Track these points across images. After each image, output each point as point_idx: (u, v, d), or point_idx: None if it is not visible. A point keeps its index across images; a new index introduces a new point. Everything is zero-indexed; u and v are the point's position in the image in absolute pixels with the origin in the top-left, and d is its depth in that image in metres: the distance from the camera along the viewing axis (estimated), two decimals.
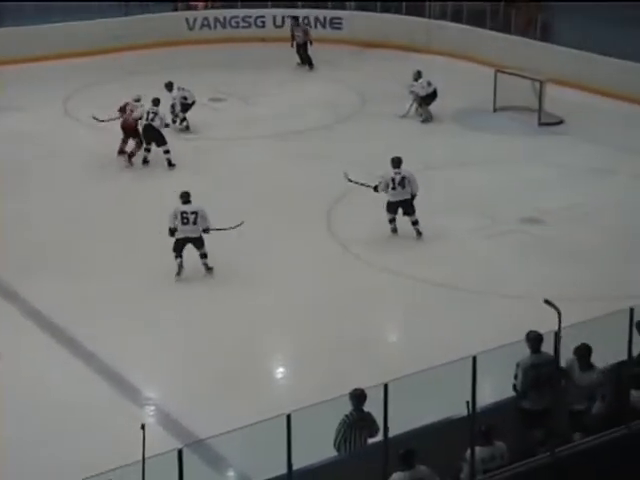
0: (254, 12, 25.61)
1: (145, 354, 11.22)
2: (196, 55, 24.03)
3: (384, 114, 19.55)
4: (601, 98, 20.44)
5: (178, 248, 12.75)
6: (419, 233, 14.04)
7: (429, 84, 19.31)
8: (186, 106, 18.55)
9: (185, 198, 12.79)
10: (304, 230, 14.40)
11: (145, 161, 16.94)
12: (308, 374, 10.76)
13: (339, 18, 25.35)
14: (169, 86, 18.39)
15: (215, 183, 16.08)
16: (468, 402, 7.37)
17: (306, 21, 24.53)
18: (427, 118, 19.35)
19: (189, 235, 12.73)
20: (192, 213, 12.64)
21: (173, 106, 18.43)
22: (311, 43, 23.24)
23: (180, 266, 12.76)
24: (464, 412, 7.51)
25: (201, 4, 26.44)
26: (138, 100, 17.14)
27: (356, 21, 25.26)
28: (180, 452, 6.65)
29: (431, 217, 14.69)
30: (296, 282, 12.86)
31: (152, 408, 10.30)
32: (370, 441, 7.91)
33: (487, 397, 8.50)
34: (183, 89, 18.58)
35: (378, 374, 7.52)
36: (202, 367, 10.86)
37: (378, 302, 12.53)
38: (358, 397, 7.79)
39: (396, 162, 14.07)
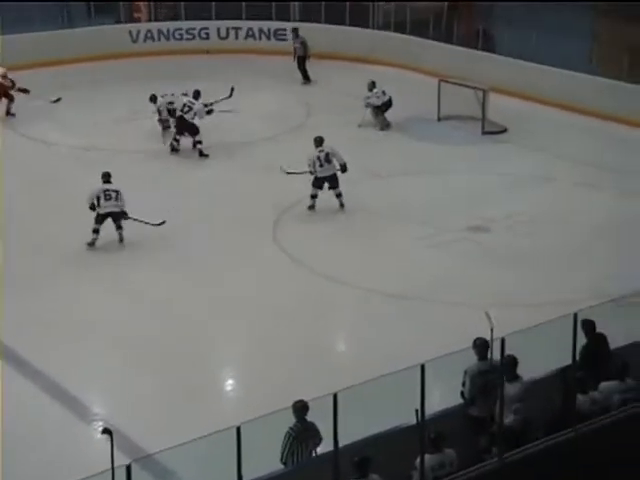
0: (198, 24, 25.56)
1: (93, 371, 11.10)
2: (140, 67, 23.91)
3: (330, 125, 19.57)
4: (542, 107, 20.74)
5: (99, 221, 14.01)
6: (342, 205, 15.24)
7: (384, 93, 19.51)
8: (173, 112, 18.55)
9: (106, 178, 14.17)
10: (251, 241, 14.38)
11: (174, 149, 18.02)
12: (258, 385, 10.73)
13: (284, 29, 25.39)
14: (153, 99, 18.62)
15: (162, 194, 16.01)
16: (417, 410, 7.41)
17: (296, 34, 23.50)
18: (384, 126, 19.51)
19: (112, 210, 14.03)
20: (114, 191, 14.08)
21: (160, 112, 18.58)
22: (309, 57, 22.92)
23: (95, 239, 14.04)
24: (413, 420, 7.55)
25: (144, 14, 26.31)
26: (185, 94, 18.08)
27: (301, 32, 25.30)
28: (129, 468, 6.59)
29: (377, 226, 14.79)
30: (244, 294, 12.83)
31: (100, 424, 10.18)
32: (320, 451, 7.91)
33: (436, 405, 8.55)
34: (167, 95, 18.83)
35: (327, 384, 7.51)
36: (151, 381, 10.78)
37: (326, 312, 12.55)
38: (301, 409, 7.78)
39: (318, 141, 15.30)
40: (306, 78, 22.97)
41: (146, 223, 14.08)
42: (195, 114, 17.77)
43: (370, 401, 7.80)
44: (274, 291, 12.91)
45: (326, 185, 15.30)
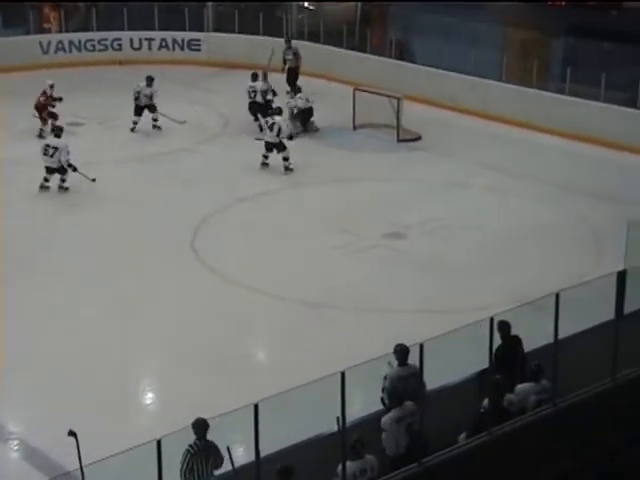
0: (110, 35, 25.29)
1: (8, 390, 10.86)
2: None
3: (246, 134, 19.60)
4: (455, 114, 21.08)
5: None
6: (287, 169, 17.35)
7: (307, 100, 19.57)
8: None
9: (57, 132, 16.53)
10: (169, 253, 14.26)
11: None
12: (178, 398, 10.63)
13: (197, 40, 25.31)
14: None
15: (75, 208, 15.81)
16: (338, 418, 7.44)
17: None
18: (295, 133, 19.49)
19: (49, 165, 16.01)
20: (53, 147, 15.89)
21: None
22: (298, 69, 21.86)
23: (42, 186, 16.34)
24: (335, 428, 7.58)
25: (55, 24, 25.92)
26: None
27: (214, 42, 25.29)
28: None
29: (295, 235, 14.83)
30: (163, 306, 12.72)
31: (16, 442, 9.98)
32: (242, 462, 7.86)
33: (357, 411, 8.60)
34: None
35: (249, 394, 7.50)
36: (69, 397, 10.58)
37: (247, 323, 12.51)
38: (200, 426, 7.62)
39: (276, 110, 17.91)
40: (295, 91, 21.05)
41: (83, 175, 16.12)
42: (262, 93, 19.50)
43: (291, 410, 7.81)
44: (191, 302, 12.81)
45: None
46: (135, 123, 19.82)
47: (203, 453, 7.64)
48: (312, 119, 19.77)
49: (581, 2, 19.98)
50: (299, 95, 19.64)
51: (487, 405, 8.24)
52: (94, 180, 16.34)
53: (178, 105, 21.53)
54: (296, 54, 22.23)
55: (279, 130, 17.41)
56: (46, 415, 10.32)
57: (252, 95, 19.82)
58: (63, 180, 16.39)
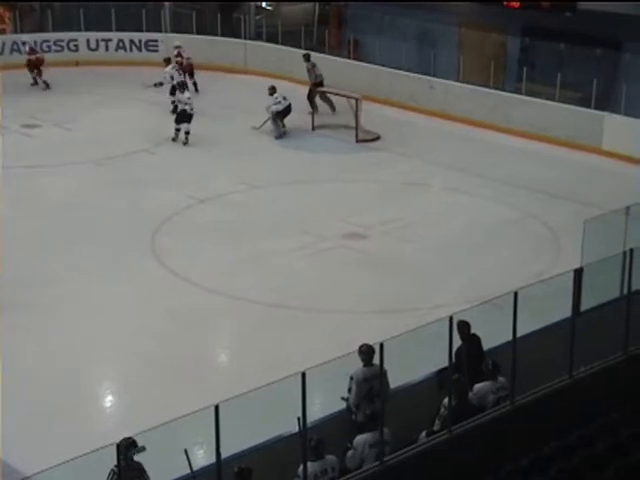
0: (66, 35, 25.06)
1: None
2: (7, 80, 23.26)
3: (205, 135, 19.55)
4: (414, 114, 21.19)
5: None
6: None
7: (284, 98, 19.47)
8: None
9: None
10: (129, 257, 14.16)
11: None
12: (138, 401, 10.59)
13: (155, 40, 25.17)
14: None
15: (30, 212, 15.66)
16: (299, 418, 7.44)
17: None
18: (281, 133, 19.49)
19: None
20: None
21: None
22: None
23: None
24: (295, 429, 7.59)
25: (9, 25, 25.64)
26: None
27: (172, 43, 25.09)
28: None
29: (255, 236, 14.81)
30: (123, 309, 12.65)
31: None
32: (203, 463, 7.84)
33: (317, 412, 8.61)
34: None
35: (210, 396, 7.47)
36: (25, 401, 10.46)
37: (207, 324, 12.48)
38: (126, 447, 7.29)
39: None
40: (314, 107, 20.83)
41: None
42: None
43: (251, 411, 7.80)
44: (150, 304, 12.76)
45: None
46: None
47: (127, 474, 7.35)
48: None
49: (535, 2, 20.14)
50: (275, 96, 19.47)
51: (447, 404, 8.29)
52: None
53: (137, 106, 21.45)
54: (310, 69, 21.39)
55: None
56: (6, 419, 10.20)
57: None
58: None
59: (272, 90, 19.59)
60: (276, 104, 19.40)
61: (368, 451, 7.89)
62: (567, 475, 7.80)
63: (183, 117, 19.06)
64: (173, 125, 19.14)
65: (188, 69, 22.30)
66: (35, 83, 23.00)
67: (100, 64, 24.25)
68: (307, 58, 21.52)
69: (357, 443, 7.95)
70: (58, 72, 23.86)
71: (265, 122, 19.49)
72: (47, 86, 22.88)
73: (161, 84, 21.17)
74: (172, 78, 20.92)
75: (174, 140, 19.12)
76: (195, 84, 22.29)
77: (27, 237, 14.76)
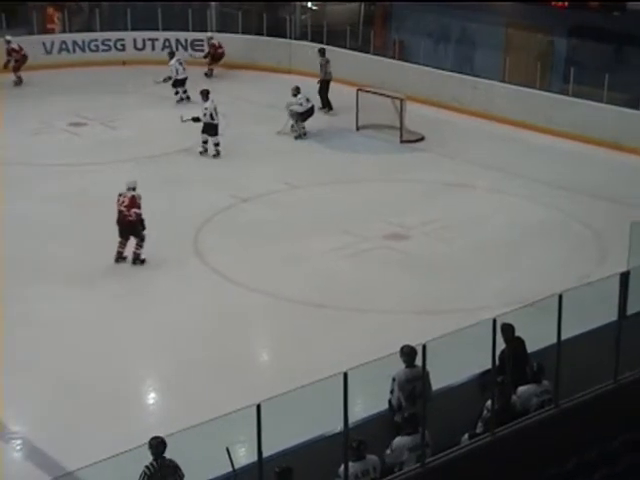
0: (113, 35, 25.31)
1: (8, 387, 10.86)
2: (55, 79, 23.58)
3: (248, 134, 19.63)
4: (457, 115, 21.09)
5: None
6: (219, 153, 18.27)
7: (307, 100, 19.49)
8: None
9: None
10: (171, 255, 14.23)
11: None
12: (180, 399, 10.65)
13: (201, 40, 25.31)
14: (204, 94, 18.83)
15: (77, 210, 15.82)
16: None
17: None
18: (300, 134, 19.52)
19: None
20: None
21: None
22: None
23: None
24: (337, 429, 7.58)
25: (58, 25, 25.94)
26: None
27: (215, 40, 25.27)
28: None
29: (296, 236, 14.83)
30: (165, 308, 12.72)
31: (18, 442, 9.99)
32: (244, 462, 7.85)
33: (359, 412, 8.60)
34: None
35: (252, 395, 7.49)
36: (70, 397, 10.59)
37: (248, 323, 12.53)
38: (157, 446, 7.42)
39: (205, 94, 18.40)
40: (325, 104, 21.38)
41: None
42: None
43: (293, 411, 7.81)
44: (194, 303, 12.82)
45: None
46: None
47: (159, 474, 7.42)
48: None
49: (583, 3, 19.93)
50: (299, 97, 19.52)
51: (490, 406, 8.24)
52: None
53: (180, 106, 21.59)
54: (325, 64, 21.64)
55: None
56: (49, 415, 10.34)
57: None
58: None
59: (296, 91, 19.54)
60: (297, 105, 19.40)
61: (407, 455, 7.86)
62: None
63: (207, 129, 18.32)
64: (220, 123, 19.11)
65: (219, 57, 24.05)
66: (19, 82, 23.12)
67: (147, 63, 24.42)
68: (322, 53, 21.79)
69: (396, 445, 7.92)
70: (105, 71, 24.16)
71: (286, 124, 19.45)
72: (20, 82, 23.09)
73: (170, 78, 21.64)
74: (177, 72, 21.59)
75: (201, 154, 18.48)
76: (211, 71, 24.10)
77: (72, 233, 14.91)
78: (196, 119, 18.13)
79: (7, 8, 24.84)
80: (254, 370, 11.53)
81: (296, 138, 19.44)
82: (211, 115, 18.20)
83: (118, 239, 13.72)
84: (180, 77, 21.95)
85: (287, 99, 19.68)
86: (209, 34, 24.39)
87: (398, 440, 7.92)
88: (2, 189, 16.48)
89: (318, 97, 21.14)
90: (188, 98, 21.75)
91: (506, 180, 17.41)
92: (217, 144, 18.42)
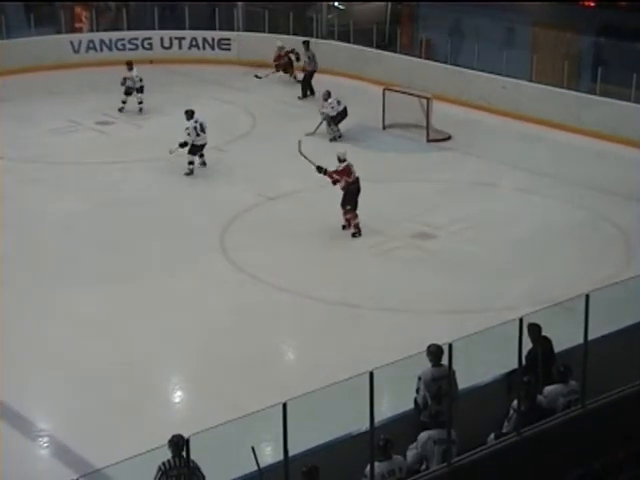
0: (140, 34, 25.42)
1: (35, 384, 10.96)
2: (83, 78, 23.72)
3: (276, 134, 19.65)
4: (484, 114, 21.01)
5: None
6: (204, 164, 17.70)
7: (339, 103, 19.48)
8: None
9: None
10: (198, 253, 14.30)
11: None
12: (204, 398, 10.68)
13: (227, 39, 25.39)
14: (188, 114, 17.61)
15: (102, 206, 15.94)
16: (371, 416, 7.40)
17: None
18: (335, 137, 19.50)
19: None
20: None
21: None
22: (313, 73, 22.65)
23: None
24: (363, 428, 7.57)
25: (86, 24, 26.14)
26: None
27: (244, 42, 25.36)
28: None
29: (324, 235, 14.84)
30: (191, 305, 12.77)
31: (45, 439, 10.06)
32: (270, 461, 7.87)
33: (385, 411, 8.59)
34: None
35: (278, 393, 7.51)
36: (96, 395, 10.65)
37: (274, 322, 12.53)
38: (176, 444, 7.42)
39: (190, 114, 17.33)
40: (308, 94, 22.44)
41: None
42: None
43: (319, 410, 7.82)
44: (220, 301, 12.86)
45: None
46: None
47: (174, 472, 7.40)
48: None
49: (612, 2, 19.82)
50: (329, 101, 19.47)
51: (516, 406, 8.20)
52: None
53: (209, 104, 21.66)
54: (313, 57, 22.58)
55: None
56: (76, 413, 10.40)
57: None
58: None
59: (327, 95, 19.51)
60: (330, 108, 19.35)
61: (432, 447, 7.84)
62: None
63: (191, 149, 17.41)
64: (246, 122, 19.07)
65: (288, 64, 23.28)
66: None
67: (173, 62, 24.54)
68: (308, 47, 22.53)
69: (421, 438, 7.90)
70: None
71: (318, 126, 19.44)
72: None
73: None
74: (133, 81, 20.87)
75: (187, 175, 17.46)
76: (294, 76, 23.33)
77: (98, 231, 15.01)
78: (183, 144, 17.17)
79: (35, 7, 25.03)
80: (280, 369, 11.56)
81: (331, 140, 19.40)
82: (196, 133, 17.21)
83: (347, 207, 14.77)
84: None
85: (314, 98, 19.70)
86: (279, 43, 23.46)
87: (423, 433, 7.89)
88: (30, 187, 16.62)
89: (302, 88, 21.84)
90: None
91: (534, 180, 17.32)
92: (191, 162, 17.38)
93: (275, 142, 19.14)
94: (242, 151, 18.96)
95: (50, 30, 25.43)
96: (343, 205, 14.85)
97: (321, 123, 19.39)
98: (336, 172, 14.85)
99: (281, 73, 23.35)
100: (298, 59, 23.09)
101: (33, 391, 10.88)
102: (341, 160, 14.91)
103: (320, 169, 15.14)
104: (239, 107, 21.64)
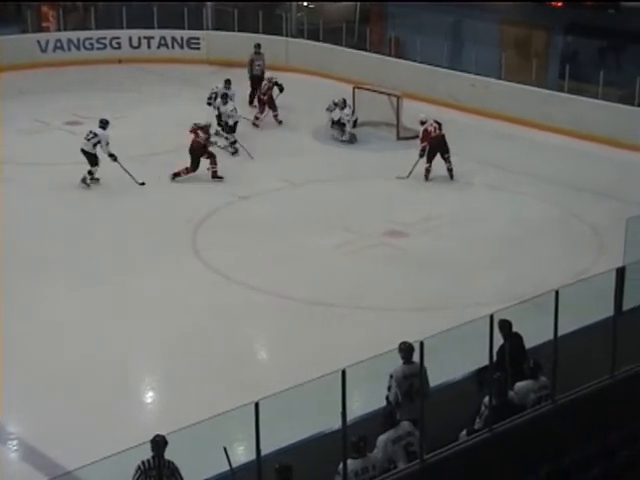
0: (109, 33, 25.28)
1: (7, 388, 10.86)
2: (51, 78, 23.56)
3: (246, 132, 19.60)
4: (454, 112, 21.09)
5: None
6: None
7: (353, 112, 19.36)
8: None
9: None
10: (170, 253, 14.25)
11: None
12: (177, 398, 10.64)
13: (197, 38, 25.31)
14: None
15: (74, 207, 15.82)
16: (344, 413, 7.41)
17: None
18: (352, 140, 19.37)
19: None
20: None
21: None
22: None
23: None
24: (335, 426, 7.58)
25: (53, 23, 25.96)
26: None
27: (214, 41, 25.30)
28: None
29: (294, 233, 14.83)
30: (165, 305, 12.72)
31: (14, 443, 9.98)
32: (242, 460, 7.86)
33: (358, 409, 8.61)
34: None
35: (250, 392, 7.50)
36: (66, 396, 10.58)
37: (249, 321, 12.51)
38: (156, 444, 7.33)
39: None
40: (252, 101, 21.41)
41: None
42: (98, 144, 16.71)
43: (292, 408, 7.82)
44: (192, 302, 12.82)
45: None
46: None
47: (153, 472, 7.33)
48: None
49: (579, 2, 20.00)
50: (345, 110, 19.19)
51: (487, 402, 8.25)
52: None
53: (178, 103, 21.58)
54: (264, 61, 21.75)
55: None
56: (45, 415, 10.32)
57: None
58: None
59: (343, 104, 19.20)
60: (347, 120, 19.17)
61: (392, 448, 7.86)
62: (609, 476, 7.74)
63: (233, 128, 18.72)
64: (214, 120, 18.95)
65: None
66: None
67: (142, 61, 24.42)
68: (259, 49, 21.69)
69: (379, 443, 7.90)
70: (101, 70, 24.12)
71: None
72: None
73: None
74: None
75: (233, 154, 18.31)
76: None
77: (68, 232, 14.93)
78: (233, 127, 18.41)
79: (0, 6, 24.81)
80: (252, 368, 11.53)
81: (343, 142, 19.30)
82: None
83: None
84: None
85: (284, 96, 19.60)
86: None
87: (380, 438, 7.90)
88: (2, 185, 16.47)
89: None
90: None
91: (504, 177, 17.42)
92: (234, 142, 18.47)
93: (247, 141, 19.10)
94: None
95: (16, 29, 25.21)
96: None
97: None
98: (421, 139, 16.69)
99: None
100: (282, 90, 20.75)
101: (2, 393, 10.78)
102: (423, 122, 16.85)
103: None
104: (208, 107, 21.53)
